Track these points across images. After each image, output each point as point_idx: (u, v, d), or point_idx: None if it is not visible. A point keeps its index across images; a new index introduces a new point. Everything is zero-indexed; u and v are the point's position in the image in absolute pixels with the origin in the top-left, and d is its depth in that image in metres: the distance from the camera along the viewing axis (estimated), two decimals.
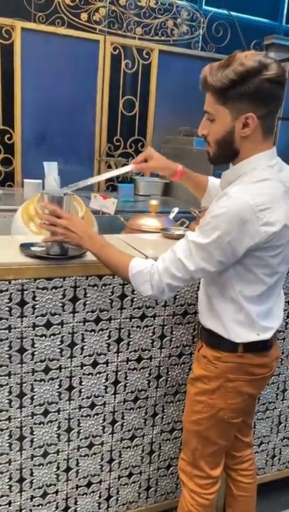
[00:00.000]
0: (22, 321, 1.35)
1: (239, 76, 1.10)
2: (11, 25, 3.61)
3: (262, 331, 1.27)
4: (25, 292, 1.33)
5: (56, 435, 1.50)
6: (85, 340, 1.46)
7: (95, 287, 1.42)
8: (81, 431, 1.54)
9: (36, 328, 1.37)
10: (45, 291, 1.35)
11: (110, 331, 1.49)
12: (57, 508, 1.58)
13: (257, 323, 1.26)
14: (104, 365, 1.51)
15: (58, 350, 1.42)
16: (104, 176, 1.62)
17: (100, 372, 1.51)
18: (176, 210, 2.03)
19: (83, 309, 1.43)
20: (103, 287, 1.43)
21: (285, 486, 2.06)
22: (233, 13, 4.35)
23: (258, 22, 4.76)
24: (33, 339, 1.38)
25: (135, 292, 1.48)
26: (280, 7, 4.93)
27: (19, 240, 1.49)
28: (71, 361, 1.45)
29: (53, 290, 1.36)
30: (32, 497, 1.52)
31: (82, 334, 1.45)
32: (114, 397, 1.56)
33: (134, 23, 4.05)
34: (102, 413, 1.55)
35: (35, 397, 1.43)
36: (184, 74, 4.23)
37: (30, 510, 1.53)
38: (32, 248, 1.40)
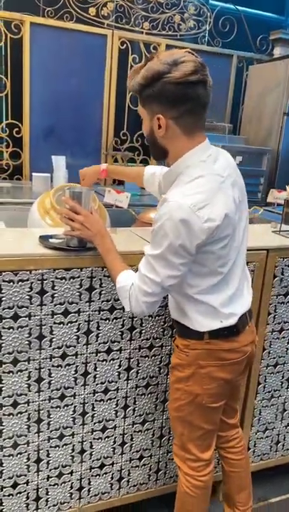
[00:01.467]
0: (41, 309, 1.42)
1: (144, 80, 1.17)
2: (20, 20, 3.65)
3: (225, 318, 1.33)
4: (45, 282, 1.40)
5: (72, 418, 1.57)
6: (100, 328, 1.52)
7: (110, 278, 1.49)
8: (95, 415, 1.61)
9: (55, 316, 1.44)
10: (64, 281, 1.42)
11: (124, 320, 1.55)
12: (71, 487, 1.66)
13: (218, 311, 1.31)
14: (118, 352, 1.58)
15: (75, 337, 1.49)
16: None
17: (113, 359, 1.58)
18: None
19: (99, 298, 1.49)
20: None
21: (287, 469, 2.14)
22: (239, 7, 4.38)
23: (264, 16, 4.77)
24: (51, 326, 1.45)
25: None
26: (287, 2, 4.95)
27: (37, 232, 1.55)
28: (87, 348, 1.52)
29: (71, 280, 1.43)
30: (48, 477, 1.60)
31: (98, 322, 1.52)
32: (127, 383, 1.63)
33: (141, 17, 4.09)
34: (115, 398, 1.63)
35: (52, 382, 1.50)
36: None
37: (47, 489, 1.61)
38: (50, 240, 1.46)
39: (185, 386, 1.39)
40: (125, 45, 4.06)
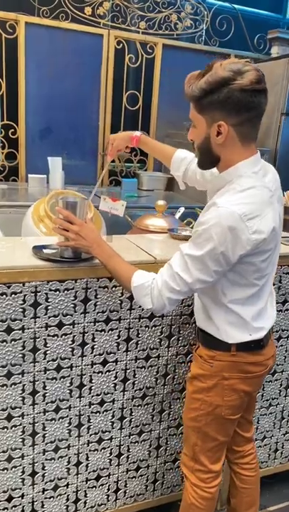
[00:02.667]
0: (35, 322, 1.39)
1: (209, 86, 1.15)
2: (15, 20, 3.61)
3: (254, 332, 1.32)
4: (39, 294, 1.37)
5: (67, 431, 1.55)
6: (96, 339, 1.50)
7: (106, 289, 1.46)
8: (91, 426, 1.59)
9: (49, 329, 1.41)
10: (58, 292, 1.39)
11: (120, 331, 1.53)
12: (67, 500, 1.63)
13: (249, 324, 1.30)
14: (114, 364, 1.55)
15: (70, 349, 1.47)
16: (100, 178, 1.90)
17: (109, 371, 1.55)
18: (182, 210, 2.07)
19: (94, 310, 1.47)
20: (113, 289, 1.47)
21: (287, 479, 2.11)
22: (236, 6, 4.34)
23: (262, 15, 4.74)
24: (45, 339, 1.42)
25: None
26: (284, 0, 4.92)
27: (30, 242, 1.52)
28: (82, 360, 1.50)
29: (65, 292, 1.40)
30: (44, 490, 1.58)
31: (93, 334, 1.49)
32: (123, 394, 1.60)
33: (137, 17, 4.04)
34: (111, 409, 1.60)
35: (47, 394, 1.48)
36: (188, 68, 4.17)
37: (42, 502, 1.59)
38: (44, 251, 1.43)
39: (205, 396, 1.37)
40: (121, 44, 4.02)
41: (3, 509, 1.53)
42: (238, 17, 4.33)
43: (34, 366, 1.43)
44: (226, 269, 1.20)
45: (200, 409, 1.39)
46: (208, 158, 1.28)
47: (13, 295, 1.33)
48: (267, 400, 1.91)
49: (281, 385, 1.92)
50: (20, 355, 1.40)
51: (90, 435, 1.60)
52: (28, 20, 3.65)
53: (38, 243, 1.50)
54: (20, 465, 1.51)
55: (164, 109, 4.34)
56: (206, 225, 1.16)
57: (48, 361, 1.45)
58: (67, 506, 1.64)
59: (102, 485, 1.68)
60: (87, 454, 1.62)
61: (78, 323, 1.45)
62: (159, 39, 4.12)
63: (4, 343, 1.37)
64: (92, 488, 1.67)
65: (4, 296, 1.32)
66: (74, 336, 1.46)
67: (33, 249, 1.43)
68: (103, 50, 3.97)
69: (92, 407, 1.56)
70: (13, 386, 1.42)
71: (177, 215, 2.03)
